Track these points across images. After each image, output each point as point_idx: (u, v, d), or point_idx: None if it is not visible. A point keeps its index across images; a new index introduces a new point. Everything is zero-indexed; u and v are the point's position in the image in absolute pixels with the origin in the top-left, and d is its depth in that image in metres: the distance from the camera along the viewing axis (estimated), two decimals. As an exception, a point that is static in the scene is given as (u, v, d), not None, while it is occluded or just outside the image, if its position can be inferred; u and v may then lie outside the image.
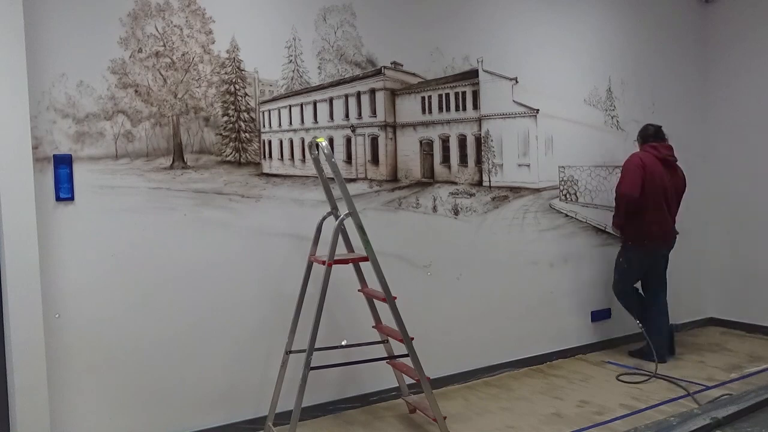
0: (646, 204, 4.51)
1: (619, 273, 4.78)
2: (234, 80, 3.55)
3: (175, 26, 3.37)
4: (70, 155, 3.10)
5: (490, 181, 4.49)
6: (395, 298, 3.30)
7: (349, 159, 3.95)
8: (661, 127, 4.76)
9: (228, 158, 3.55)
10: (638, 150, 4.76)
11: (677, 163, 4.72)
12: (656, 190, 4.53)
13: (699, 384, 4.21)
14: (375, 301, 3.60)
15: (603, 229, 5.12)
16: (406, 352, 3.33)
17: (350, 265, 3.54)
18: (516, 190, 4.62)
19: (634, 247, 4.66)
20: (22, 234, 2.90)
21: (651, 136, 4.70)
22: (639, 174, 4.47)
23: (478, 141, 4.43)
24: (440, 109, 4.28)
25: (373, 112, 4.02)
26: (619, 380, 4.34)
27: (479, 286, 4.44)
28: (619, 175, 4.68)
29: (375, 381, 3.98)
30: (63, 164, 3.07)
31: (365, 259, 3.32)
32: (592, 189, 5.08)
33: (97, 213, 3.17)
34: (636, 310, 4.76)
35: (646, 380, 4.31)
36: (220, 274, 3.50)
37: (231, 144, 3.55)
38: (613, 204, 4.76)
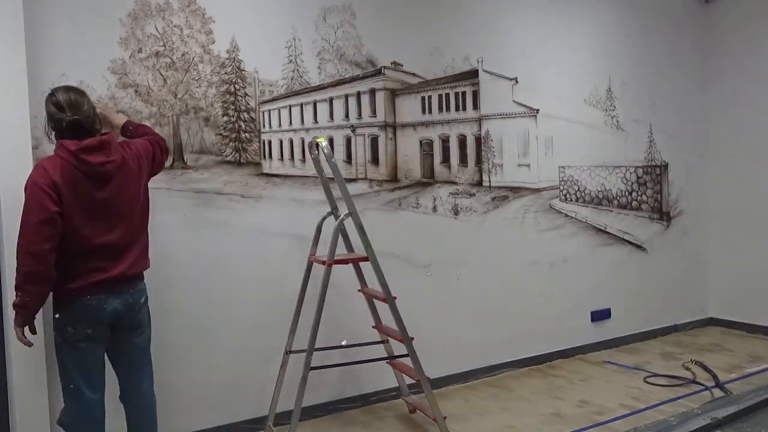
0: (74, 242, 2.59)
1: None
2: (234, 80, 3.55)
3: (175, 26, 3.37)
4: (70, 155, 3.09)
5: (490, 181, 4.49)
6: (395, 298, 3.30)
7: (349, 159, 3.95)
8: (80, 97, 2.66)
9: (228, 158, 3.54)
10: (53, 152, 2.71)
11: (122, 160, 2.74)
12: (88, 222, 2.59)
13: (699, 384, 4.21)
14: (375, 301, 3.60)
15: (603, 229, 5.12)
16: (406, 352, 3.33)
17: (350, 265, 3.54)
18: (516, 190, 4.62)
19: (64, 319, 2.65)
20: (22, 234, 2.89)
21: (68, 124, 2.58)
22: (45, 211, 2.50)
23: (478, 141, 4.43)
24: (440, 109, 4.28)
25: (373, 112, 4.02)
26: (646, 382, 4.26)
27: (479, 286, 4.43)
28: None
29: (375, 381, 3.98)
30: (63, 164, 3.06)
31: (365, 259, 3.32)
32: (593, 189, 5.08)
33: (97, 213, 3.16)
34: None
35: (680, 384, 4.20)
36: (220, 274, 3.50)
37: (231, 144, 3.55)
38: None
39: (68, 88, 2.70)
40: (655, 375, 4.39)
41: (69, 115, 2.58)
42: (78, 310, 2.60)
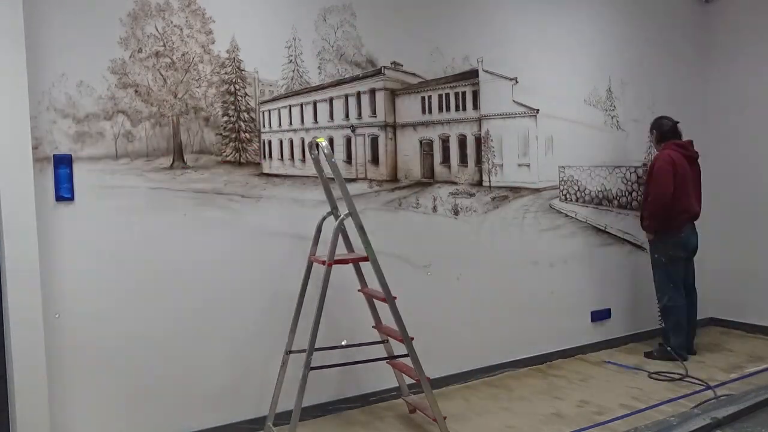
0: (677, 198, 4.68)
1: (662, 274, 4.85)
2: (234, 80, 3.55)
3: (175, 26, 3.37)
4: (70, 155, 3.10)
5: (490, 181, 4.49)
6: (395, 298, 3.30)
7: (349, 159, 3.95)
8: (678, 123, 4.86)
9: (228, 158, 3.54)
10: (654, 145, 4.98)
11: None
12: (685, 187, 4.71)
13: (699, 384, 4.21)
14: (375, 301, 3.60)
15: (603, 229, 5.12)
16: (406, 352, 3.33)
17: (350, 265, 3.54)
18: (516, 190, 4.62)
19: (671, 238, 4.77)
20: (22, 234, 2.90)
21: (670, 132, 4.84)
22: (670, 174, 4.64)
23: (478, 141, 4.43)
24: (440, 109, 4.28)
25: (373, 112, 4.02)
26: (651, 377, 4.38)
27: (479, 286, 4.43)
28: (646, 176, 4.90)
29: (375, 381, 3.98)
30: (63, 164, 3.07)
31: (365, 259, 3.32)
32: (593, 189, 5.08)
33: (97, 213, 3.17)
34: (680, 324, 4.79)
35: (679, 379, 4.31)
36: (220, 273, 3.50)
37: (231, 144, 3.55)
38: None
39: None
40: (650, 374, 4.40)
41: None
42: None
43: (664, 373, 4.43)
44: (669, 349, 4.72)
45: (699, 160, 4.91)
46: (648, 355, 4.85)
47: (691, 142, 4.86)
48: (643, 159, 5.35)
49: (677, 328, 4.75)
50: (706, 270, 5.77)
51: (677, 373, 4.41)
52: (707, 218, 5.79)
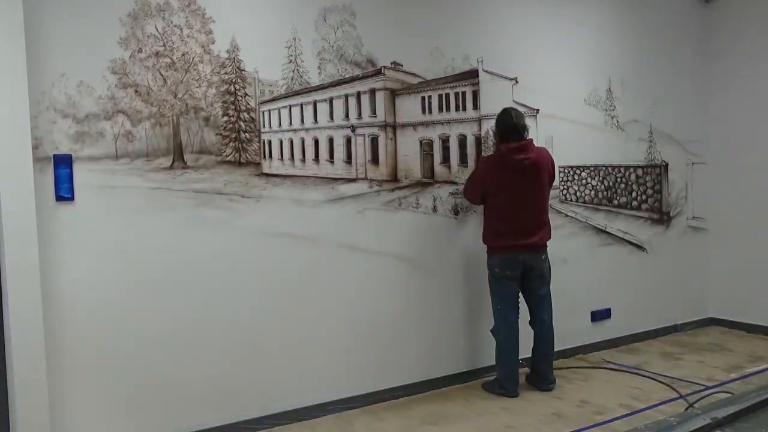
0: (496, 211, 4.07)
1: (491, 294, 4.19)
2: (234, 80, 3.55)
3: (175, 26, 3.37)
4: (70, 155, 3.09)
5: (490, 181, 4.48)
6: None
7: (349, 159, 3.95)
8: (521, 114, 4.09)
9: (228, 158, 3.54)
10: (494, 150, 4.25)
11: (537, 158, 4.04)
12: (506, 200, 4.00)
13: (699, 384, 4.21)
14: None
15: (603, 229, 5.12)
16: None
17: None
18: (516, 190, 4.61)
19: (490, 255, 4.16)
20: (22, 234, 2.90)
21: (510, 131, 3.99)
22: (478, 185, 4.07)
23: (478, 141, 4.43)
24: (440, 109, 4.28)
25: (373, 112, 4.02)
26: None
27: (479, 286, 4.42)
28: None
29: (376, 381, 3.98)
30: (63, 164, 3.07)
31: None
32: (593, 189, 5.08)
33: (97, 213, 3.17)
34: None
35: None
36: (219, 273, 3.50)
37: (231, 144, 3.55)
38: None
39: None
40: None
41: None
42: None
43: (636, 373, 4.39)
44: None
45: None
46: (484, 386, 4.25)
47: (522, 145, 3.98)
48: (643, 159, 5.35)
49: (501, 356, 4.11)
50: (706, 270, 5.78)
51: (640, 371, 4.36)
52: (708, 218, 5.79)
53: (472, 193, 4.17)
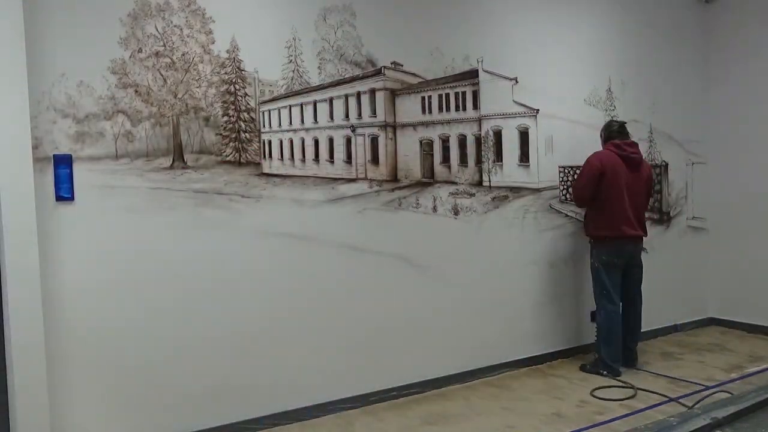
0: (608, 202, 4.40)
1: (594, 281, 4.60)
2: (234, 80, 3.55)
3: (175, 26, 3.37)
4: (70, 155, 3.10)
5: (490, 181, 4.49)
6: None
7: (349, 159, 3.95)
8: (625, 123, 4.66)
9: (228, 158, 3.54)
10: (601, 147, 4.65)
11: (643, 160, 4.60)
12: (617, 191, 4.39)
13: (699, 384, 4.21)
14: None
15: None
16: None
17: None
18: (516, 190, 4.62)
19: (599, 244, 4.53)
20: (22, 234, 2.90)
21: (615, 132, 4.57)
22: (593, 180, 4.39)
23: (478, 141, 4.43)
24: (440, 109, 4.28)
25: (373, 112, 4.02)
26: (593, 395, 4.04)
27: (479, 286, 4.43)
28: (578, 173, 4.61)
29: (376, 381, 3.98)
30: (63, 164, 3.07)
31: None
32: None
33: (97, 213, 3.17)
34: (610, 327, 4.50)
35: (628, 398, 3.98)
36: (219, 273, 3.50)
37: (231, 144, 3.55)
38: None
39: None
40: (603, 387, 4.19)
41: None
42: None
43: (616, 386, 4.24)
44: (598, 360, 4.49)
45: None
46: (582, 368, 4.60)
47: (631, 143, 4.55)
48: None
49: (608, 338, 4.49)
50: (707, 270, 5.78)
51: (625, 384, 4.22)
52: (708, 218, 5.80)
53: (583, 191, 4.45)
